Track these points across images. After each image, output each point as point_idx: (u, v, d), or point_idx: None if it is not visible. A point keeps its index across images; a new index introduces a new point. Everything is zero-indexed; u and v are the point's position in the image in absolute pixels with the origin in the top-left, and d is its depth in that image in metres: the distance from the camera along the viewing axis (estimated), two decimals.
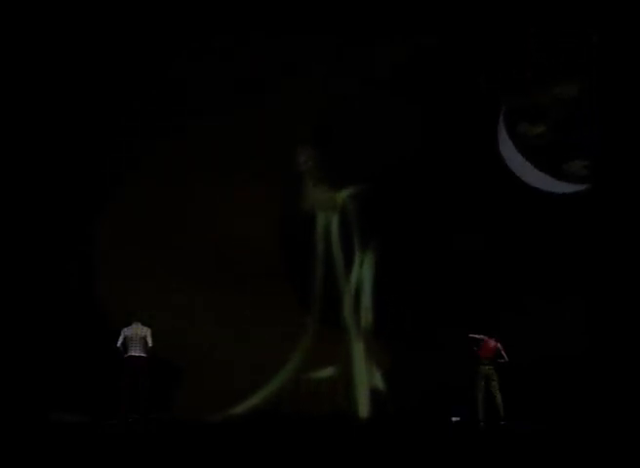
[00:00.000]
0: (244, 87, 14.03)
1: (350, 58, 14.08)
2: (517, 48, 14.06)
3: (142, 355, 12.79)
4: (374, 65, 14.08)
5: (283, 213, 14.18)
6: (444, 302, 13.82)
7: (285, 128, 13.99)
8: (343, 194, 14.31)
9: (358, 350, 14.08)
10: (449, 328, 13.50)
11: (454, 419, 13.25)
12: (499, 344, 13.00)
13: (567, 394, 13.15)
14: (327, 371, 13.98)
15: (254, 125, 13.99)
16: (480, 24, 14.04)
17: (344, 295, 14.18)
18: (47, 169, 13.89)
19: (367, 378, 14.01)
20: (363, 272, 14.24)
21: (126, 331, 12.88)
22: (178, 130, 14.09)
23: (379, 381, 13.99)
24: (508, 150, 14.09)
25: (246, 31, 13.90)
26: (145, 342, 12.83)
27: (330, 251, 14.26)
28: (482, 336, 13.08)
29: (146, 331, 12.86)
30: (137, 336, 12.83)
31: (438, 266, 14.00)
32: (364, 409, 13.97)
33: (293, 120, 14.00)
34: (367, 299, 14.22)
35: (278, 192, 14.15)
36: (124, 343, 12.85)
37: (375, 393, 13.99)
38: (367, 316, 14.16)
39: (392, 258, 14.10)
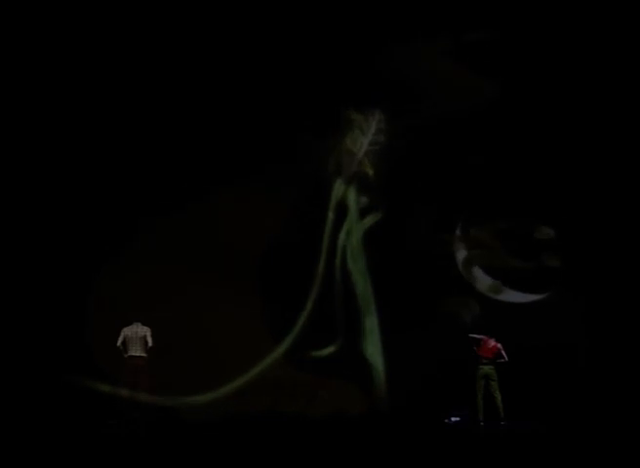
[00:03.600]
0: None
1: None
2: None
3: (142, 355, 12.81)
4: None
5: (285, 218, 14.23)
6: (443, 301, 13.86)
7: None
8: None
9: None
10: (448, 327, 13.53)
11: (453, 419, 13.25)
12: (498, 344, 13.02)
13: (567, 393, 13.17)
14: (328, 350, 13.97)
15: None
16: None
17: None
18: (51, 170, 13.93)
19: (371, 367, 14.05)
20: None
21: (126, 331, 12.89)
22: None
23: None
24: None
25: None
26: (145, 342, 12.84)
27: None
28: (482, 336, 13.11)
29: (146, 331, 12.88)
30: (136, 336, 12.85)
31: (437, 265, 14.05)
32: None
33: None
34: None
35: (280, 198, 14.21)
36: (124, 343, 12.87)
37: (372, 390, 14.02)
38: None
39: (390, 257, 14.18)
